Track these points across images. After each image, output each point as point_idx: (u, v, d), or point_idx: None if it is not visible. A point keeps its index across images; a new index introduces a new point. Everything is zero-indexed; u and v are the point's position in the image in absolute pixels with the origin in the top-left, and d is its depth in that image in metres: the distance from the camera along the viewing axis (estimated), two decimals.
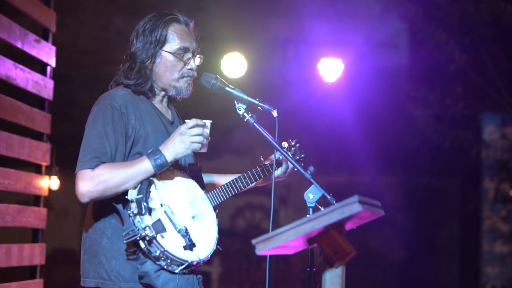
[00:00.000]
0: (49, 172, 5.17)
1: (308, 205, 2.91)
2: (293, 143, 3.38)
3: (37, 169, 4.94)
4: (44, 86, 4.89)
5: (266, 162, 3.34)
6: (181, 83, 3.14)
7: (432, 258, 10.17)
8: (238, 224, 9.96)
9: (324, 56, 8.29)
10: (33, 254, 4.74)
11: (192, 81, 3.18)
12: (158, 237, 2.86)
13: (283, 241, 2.48)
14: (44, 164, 4.96)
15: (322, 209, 2.85)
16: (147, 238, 2.84)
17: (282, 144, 3.35)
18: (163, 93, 3.17)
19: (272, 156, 3.31)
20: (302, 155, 3.38)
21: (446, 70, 8.56)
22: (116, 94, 3.04)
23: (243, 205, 9.92)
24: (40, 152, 4.85)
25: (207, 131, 3.00)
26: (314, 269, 2.89)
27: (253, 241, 2.50)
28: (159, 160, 2.89)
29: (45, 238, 5.00)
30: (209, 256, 3.02)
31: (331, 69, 8.23)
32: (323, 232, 2.55)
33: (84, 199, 2.88)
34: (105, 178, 2.86)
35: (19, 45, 4.54)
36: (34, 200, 4.96)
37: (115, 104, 2.99)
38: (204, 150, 3.00)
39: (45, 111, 4.96)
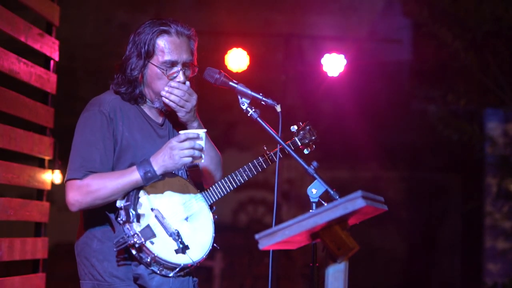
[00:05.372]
0: (52, 166, 5.16)
1: (311, 200, 2.89)
2: (302, 126, 3.35)
3: (40, 163, 4.93)
4: (47, 80, 4.88)
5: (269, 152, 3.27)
6: None
7: (434, 254, 10.17)
8: (240, 219, 9.95)
9: (327, 52, 8.28)
10: (36, 248, 4.74)
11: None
12: (147, 243, 2.85)
13: (286, 236, 2.48)
14: (47, 158, 4.95)
15: (325, 204, 2.85)
16: (136, 246, 2.84)
17: (292, 127, 3.33)
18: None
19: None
20: (313, 137, 3.36)
21: (449, 66, 8.56)
22: (105, 99, 3.03)
23: (245, 200, 9.92)
24: (43, 146, 4.84)
25: (201, 142, 2.91)
26: (317, 264, 2.89)
27: (256, 236, 2.50)
28: (149, 174, 2.88)
29: (47, 232, 5.00)
30: (204, 256, 3.00)
31: (334, 64, 8.23)
32: (326, 227, 2.54)
33: (73, 208, 2.90)
34: (94, 189, 2.86)
35: (22, 39, 4.53)
36: (37, 194, 4.95)
37: (103, 110, 2.97)
38: (198, 161, 2.93)
39: (48, 105, 4.95)
